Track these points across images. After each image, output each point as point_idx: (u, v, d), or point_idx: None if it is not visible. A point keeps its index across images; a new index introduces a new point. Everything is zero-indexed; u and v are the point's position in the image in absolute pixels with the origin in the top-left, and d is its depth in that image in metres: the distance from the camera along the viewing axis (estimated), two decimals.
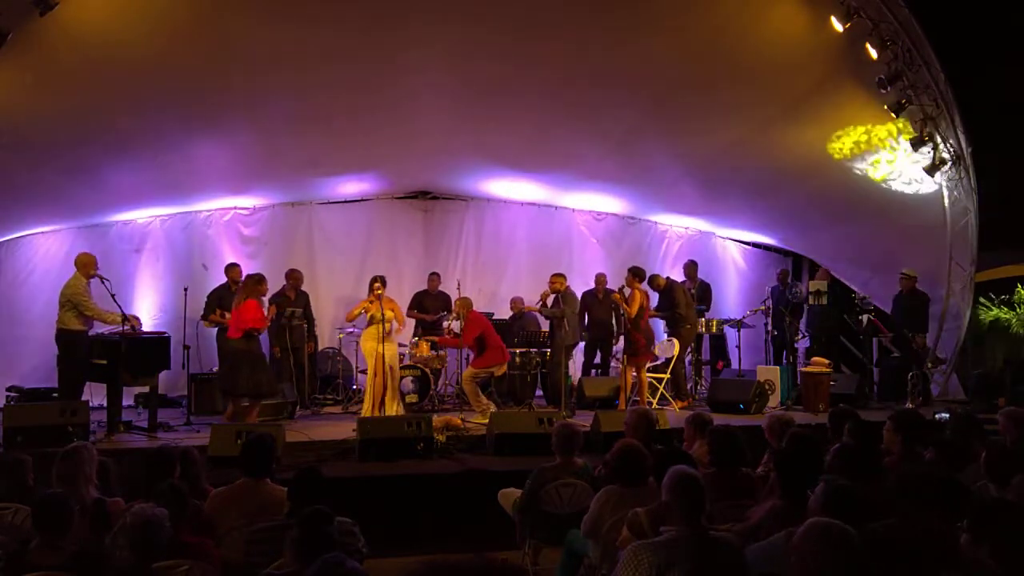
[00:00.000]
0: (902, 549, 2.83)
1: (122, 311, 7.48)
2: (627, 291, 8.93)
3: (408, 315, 9.86)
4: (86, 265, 7.60)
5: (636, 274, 9.01)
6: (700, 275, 11.14)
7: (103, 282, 7.49)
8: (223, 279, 9.50)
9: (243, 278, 8.51)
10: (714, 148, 9.35)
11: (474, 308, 8.96)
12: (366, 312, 8.53)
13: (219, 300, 9.13)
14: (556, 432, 4.99)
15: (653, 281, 10.09)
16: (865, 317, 10.25)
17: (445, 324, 9.76)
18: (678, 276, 11.04)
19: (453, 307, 9.12)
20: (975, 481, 3.93)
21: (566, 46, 7.41)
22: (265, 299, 8.09)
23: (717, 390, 9.74)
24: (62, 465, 3.96)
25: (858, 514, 2.95)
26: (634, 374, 8.94)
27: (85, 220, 10.04)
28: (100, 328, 7.83)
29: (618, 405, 9.09)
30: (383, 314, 8.30)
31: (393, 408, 8.32)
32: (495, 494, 5.41)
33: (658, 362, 9.80)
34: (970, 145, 8.85)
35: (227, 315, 8.77)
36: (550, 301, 9.16)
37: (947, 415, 5.99)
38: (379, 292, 8.47)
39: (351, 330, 10.01)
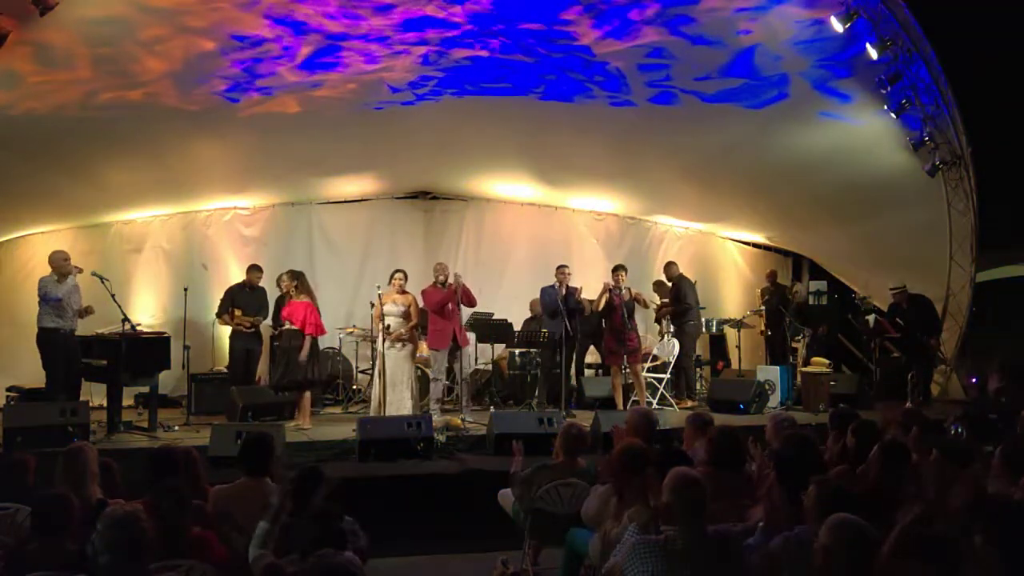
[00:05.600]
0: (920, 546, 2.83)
1: (122, 311, 7.47)
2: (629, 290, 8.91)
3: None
4: (54, 262, 7.55)
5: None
6: (695, 275, 11.10)
7: (103, 282, 7.49)
8: (224, 279, 9.52)
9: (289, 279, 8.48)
10: (713, 148, 9.36)
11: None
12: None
13: (232, 299, 9.17)
14: (563, 432, 4.98)
15: (668, 270, 10.15)
16: (872, 318, 10.24)
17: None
18: None
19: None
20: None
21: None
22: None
23: (717, 390, 9.74)
24: (66, 465, 3.94)
25: (853, 513, 2.95)
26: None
27: (85, 220, 10.05)
28: (100, 328, 7.83)
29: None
30: (382, 310, 8.16)
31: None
32: (495, 494, 5.40)
33: (657, 362, 9.81)
34: (970, 145, 8.85)
35: (238, 313, 8.91)
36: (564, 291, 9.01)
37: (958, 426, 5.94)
38: (397, 284, 8.30)
39: (351, 330, 10.04)
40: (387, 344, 8.10)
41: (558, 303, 8.82)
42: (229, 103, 7.62)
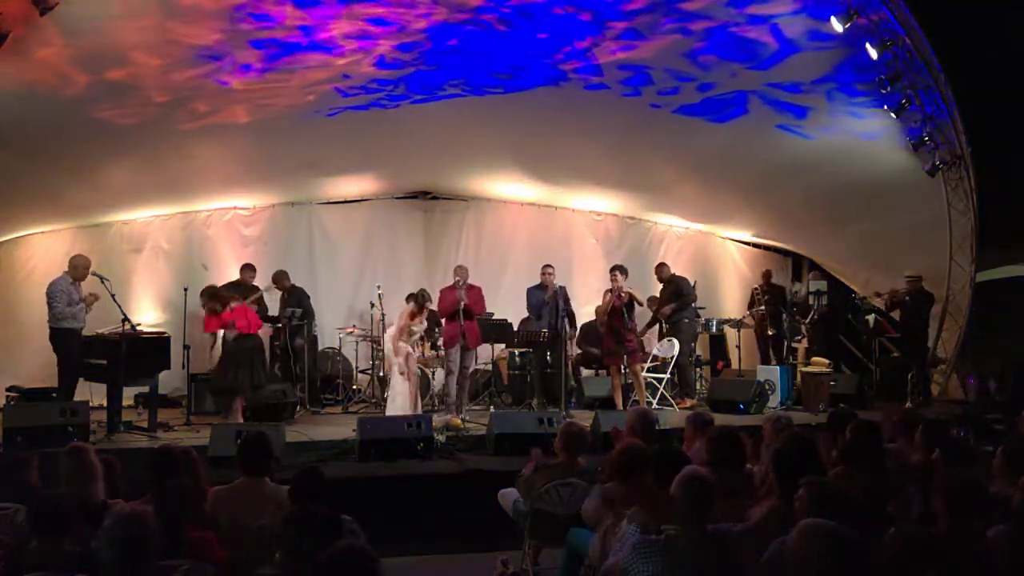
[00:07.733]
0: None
1: (122, 311, 7.47)
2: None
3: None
4: (75, 268, 7.56)
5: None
6: (694, 275, 11.09)
7: (103, 282, 7.48)
8: (224, 279, 9.49)
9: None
10: (713, 148, 9.35)
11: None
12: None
13: None
14: (563, 431, 4.98)
15: (660, 271, 10.12)
16: (872, 317, 10.23)
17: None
18: None
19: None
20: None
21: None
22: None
23: (717, 390, 9.73)
24: (69, 464, 3.93)
25: (845, 512, 2.95)
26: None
27: (85, 220, 10.05)
28: (100, 328, 7.83)
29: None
30: (410, 328, 8.48)
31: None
32: (495, 494, 5.41)
33: (657, 362, 9.80)
34: (970, 145, 8.86)
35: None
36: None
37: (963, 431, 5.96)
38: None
39: (351, 330, 10.04)
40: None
41: (543, 302, 8.90)
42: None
